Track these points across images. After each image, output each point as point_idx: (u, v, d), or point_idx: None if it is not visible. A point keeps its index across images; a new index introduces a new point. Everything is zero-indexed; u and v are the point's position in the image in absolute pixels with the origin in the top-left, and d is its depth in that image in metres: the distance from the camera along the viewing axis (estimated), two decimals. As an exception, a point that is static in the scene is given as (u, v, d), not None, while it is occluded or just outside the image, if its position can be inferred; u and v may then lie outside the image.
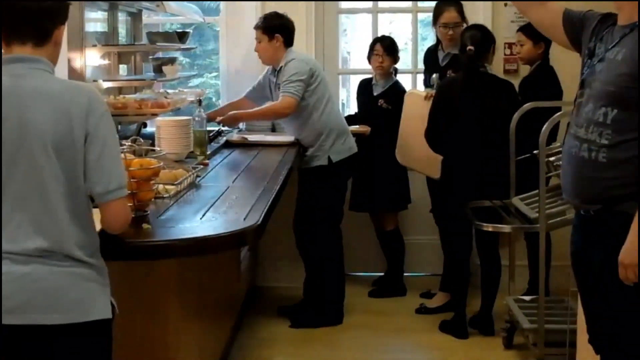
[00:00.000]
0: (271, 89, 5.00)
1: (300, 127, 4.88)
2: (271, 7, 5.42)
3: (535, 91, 4.67)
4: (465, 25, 5.02)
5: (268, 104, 4.95)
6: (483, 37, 4.62)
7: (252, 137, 5.06)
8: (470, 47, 4.52)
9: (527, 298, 4.56)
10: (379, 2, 5.94)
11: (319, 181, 4.86)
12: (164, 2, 4.69)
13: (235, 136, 5.10)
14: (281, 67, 4.83)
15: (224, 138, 5.15)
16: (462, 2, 5.16)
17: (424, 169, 5.00)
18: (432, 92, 4.84)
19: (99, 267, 2.30)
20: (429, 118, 4.63)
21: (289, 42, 4.89)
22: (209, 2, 8.13)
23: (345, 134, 4.94)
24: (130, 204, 2.76)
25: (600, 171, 2.55)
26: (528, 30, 4.80)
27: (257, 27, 4.89)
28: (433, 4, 5.29)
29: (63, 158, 2.19)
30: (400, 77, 5.46)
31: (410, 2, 5.98)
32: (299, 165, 4.82)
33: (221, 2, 5.95)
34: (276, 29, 4.84)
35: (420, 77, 5.69)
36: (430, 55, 5.32)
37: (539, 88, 4.76)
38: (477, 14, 5.45)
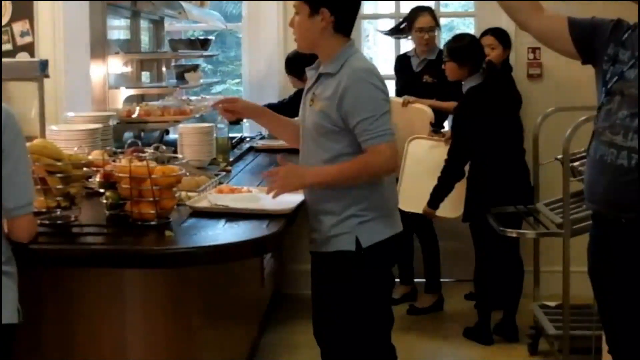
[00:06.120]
0: (304, 100, 3.08)
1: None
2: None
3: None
4: (436, 29, 5.14)
5: (360, 157, 2.87)
6: None
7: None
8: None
9: (552, 304, 4.52)
10: (401, 7, 5.92)
11: (340, 275, 2.95)
12: (185, 9, 4.71)
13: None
14: (331, 73, 2.93)
15: (247, 144, 5.16)
16: (487, 5, 5.20)
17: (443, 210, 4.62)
18: (410, 98, 4.89)
19: (10, 274, 2.36)
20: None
21: (341, 26, 2.97)
22: (231, 8, 8.16)
23: (394, 209, 3.10)
24: (153, 211, 2.77)
25: None
26: (500, 35, 5.01)
27: None
28: (456, 7, 5.28)
29: None
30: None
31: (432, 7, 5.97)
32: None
33: (243, 2, 5.91)
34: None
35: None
36: (403, 61, 5.32)
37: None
38: (500, 18, 5.41)
